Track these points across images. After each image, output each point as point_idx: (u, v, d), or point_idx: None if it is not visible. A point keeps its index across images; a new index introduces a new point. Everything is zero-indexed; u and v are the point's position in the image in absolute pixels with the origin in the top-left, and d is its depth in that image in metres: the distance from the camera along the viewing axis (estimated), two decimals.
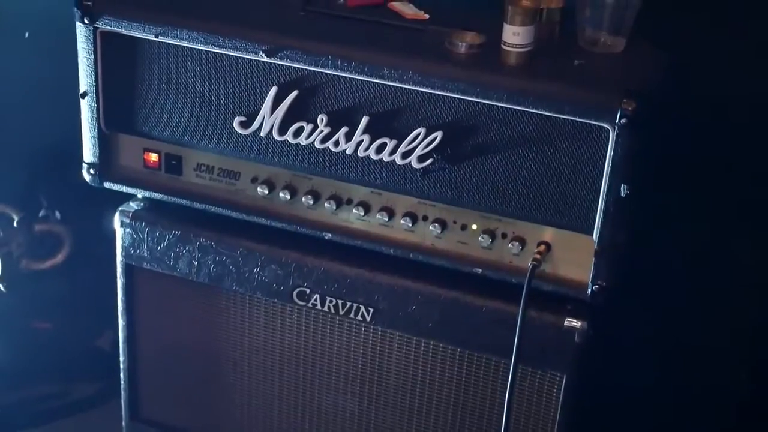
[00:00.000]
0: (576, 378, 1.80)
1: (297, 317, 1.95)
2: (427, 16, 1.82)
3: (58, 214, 2.56)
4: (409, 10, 1.84)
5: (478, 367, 1.86)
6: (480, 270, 1.78)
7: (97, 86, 1.88)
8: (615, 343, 2.04)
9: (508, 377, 1.75)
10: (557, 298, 1.77)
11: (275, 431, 2.10)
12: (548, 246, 1.75)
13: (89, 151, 1.95)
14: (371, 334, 1.91)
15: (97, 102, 1.89)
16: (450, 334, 1.84)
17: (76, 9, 1.83)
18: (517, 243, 1.75)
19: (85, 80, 1.88)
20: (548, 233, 1.75)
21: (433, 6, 1.85)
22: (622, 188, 1.64)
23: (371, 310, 1.87)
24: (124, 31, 1.81)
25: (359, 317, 1.89)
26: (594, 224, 1.68)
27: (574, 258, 1.73)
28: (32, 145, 2.67)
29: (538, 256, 1.73)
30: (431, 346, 1.88)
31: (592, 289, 1.72)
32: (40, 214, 2.55)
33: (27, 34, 2.61)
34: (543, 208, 1.71)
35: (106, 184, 1.97)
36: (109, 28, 1.82)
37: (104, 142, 1.93)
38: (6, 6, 2.56)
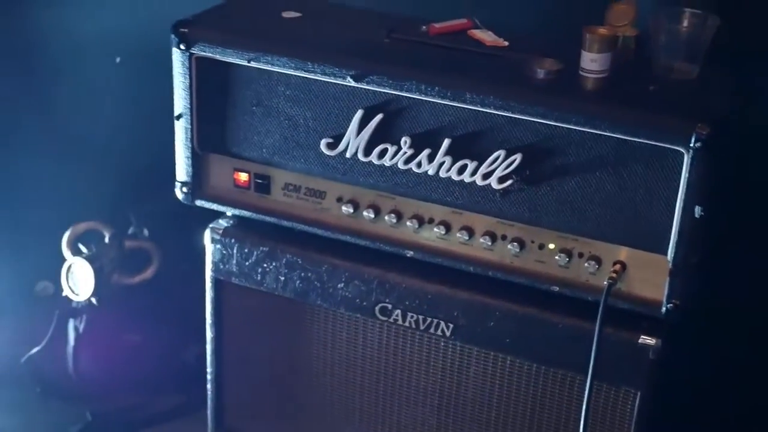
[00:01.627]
0: (650, 394, 1.85)
1: (378, 332, 2.02)
2: (506, 44, 1.89)
3: (146, 232, 2.66)
4: (489, 38, 1.91)
5: (554, 383, 1.92)
6: (557, 288, 1.84)
7: (191, 109, 1.97)
8: (689, 359, 2.07)
9: (583, 393, 1.80)
10: (632, 316, 1.82)
11: None
12: (623, 265, 1.80)
13: (182, 171, 2.04)
14: (450, 349, 1.97)
15: (191, 124, 1.99)
16: (527, 349, 1.90)
17: (173, 36, 1.93)
18: (593, 262, 1.81)
19: (180, 103, 1.98)
20: (624, 253, 1.80)
21: (512, 34, 1.92)
22: (696, 209, 1.69)
23: (451, 325, 1.93)
24: (218, 57, 1.91)
25: (439, 332, 1.95)
26: (669, 244, 1.73)
27: (649, 277, 1.78)
28: (122, 165, 2.78)
29: (614, 275, 1.78)
30: (508, 362, 1.94)
31: (666, 308, 1.77)
32: (130, 231, 2.66)
33: (118, 60, 2.73)
34: (619, 228, 1.77)
35: (198, 202, 2.07)
36: (204, 53, 1.92)
37: (197, 162, 2.03)
38: (98, 33, 2.68)
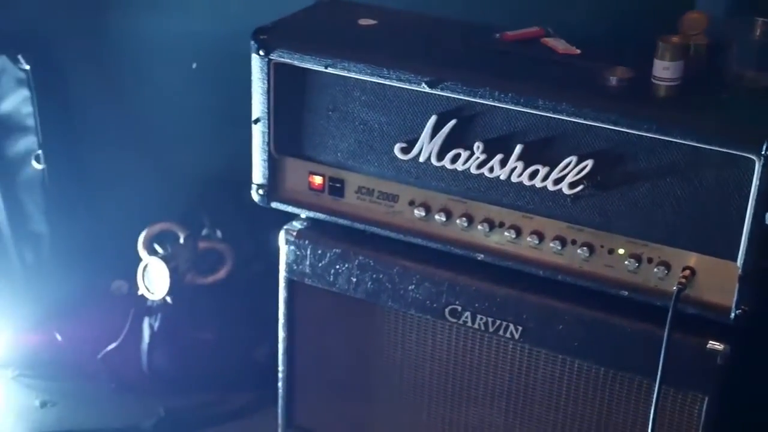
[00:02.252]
0: (718, 399, 1.86)
1: (448, 333, 2.06)
2: (578, 51, 1.92)
3: (219, 233, 2.73)
4: (562, 46, 1.94)
5: (621, 386, 1.94)
6: (626, 293, 1.86)
7: (268, 113, 2.03)
8: (757, 365, 2.08)
9: (651, 397, 1.83)
10: (700, 321, 1.83)
11: None
12: (693, 271, 1.82)
13: (259, 173, 2.10)
14: (519, 352, 2.00)
15: (268, 128, 2.04)
16: (595, 353, 1.93)
17: (252, 42, 1.99)
18: (662, 267, 1.83)
19: (258, 107, 2.03)
20: (693, 258, 1.82)
21: (584, 42, 1.94)
22: (766, 216, 1.70)
23: (520, 328, 1.97)
24: (296, 63, 1.97)
25: (508, 335, 1.98)
26: (738, 251, 1.74)
27: (718, 283, 1.80)
28: (197, 168, 2.86)
29: (683, 281, 1.80)
30: (576, 365, 1.96)
31: (735, 314, 1.79)
32: (203, 233, 2.73)
33: (194, 65, 2.81)
34: (688, 234, 1.79)
35: (273, 205, 2.12)
36: (282, 59, 1.97)
37: (273, 165, 2.08)
38: (175, 39, 2.76)
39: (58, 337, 2.79)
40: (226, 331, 2.66)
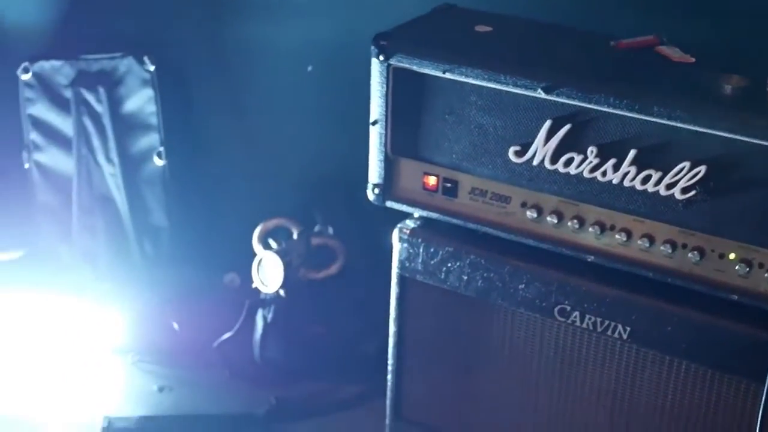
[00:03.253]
0: None
1: (556, 333, 2.11)
2: (693, 60, 1.95)
3: (331, 230, 2.82)
4: (676, 54, 1.97)
5: (728, 389, 1.96)
6: (736, 296, 1.89)
7: (386, 115, 2.10)
8: None
9: (758, 400, 1.85)
10: None
11: None
12: None
13: (375, 173, 2.17)
14: (626, 352, 2.04)
15: (386, 129, 2.12)
16: (703, 355, 1.95)
17: (372, 47, 2.06)
18: None
19: (376, 110, 2.11)
20: None
21: (698, 50, 1.98)
22: None
23: (628, 329, 2.01)
24: (414, 68, 2.04)
25: (616, 335, 2.03)
26: None
27: None
28: (310, 167, 2.95)
29: None
30: (683, 366, 1.99)
31: None
32: (316, 229, 2.82)
33: (310, 68, 2.90)
34: None
35: (388, 203, 2.19)
36: (401, 64, 2.05)
37: (389, 165, 2.15)
38: (291, 44, 2.86)
39: (175, 326, 2.91)
40: (337, 324, 2.74)
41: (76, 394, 2.71)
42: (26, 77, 2.88)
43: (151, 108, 2.91)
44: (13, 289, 2.96)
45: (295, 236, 2.75)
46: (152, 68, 2.87)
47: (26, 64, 2.88)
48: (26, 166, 2.97)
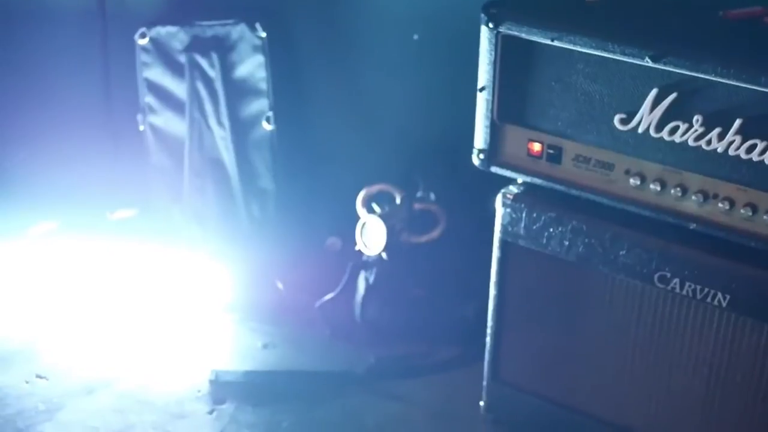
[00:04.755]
0: None
1: (655, 299, 2.13)
2: None
3: (432, 196, 2.87)
4: None
5: None
6: None
7: (493, 82, 2.15)
8: None
9: None
10: None
11: (622, 406, 2.27)
12: None
13: (480, 139, 2.22)
14: (725, 320, 2.06)
15: (492, 96, 2.17)
16: None
17: (482, 15, 2.10)
18: None
19: (483, 76, 2.16)
20: None
21: None
22: None
23: (728, 296, 2.02)
24: (523, 35, 2.08)
25: (715, 303, 2.05)
26: None
27: None
28: (413, 133, 3.01)
29: None
30: None
31: None
32: (418, 194, 2.88)
33: (416, 37, 2.95)
34: None
35: (493, 169, 2.24)
36: (510, 32, 2.09)
37: (494, 131, 2.20)
38: (398, 12, 2.91)
39: (280, 286, 3.01)
40: (437, 287, 2.80)
41: (186, 347, 2.83)
42: (143, 42, 2.98)
43: (261, 74, 2.99)
44: (127, 245, 3.09)
45: (398, 201, 2.81)
46: (263, 35, 2.95)
47: (143, 29, 2.98)
48: (141, 128, 3.08)
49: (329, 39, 3.05)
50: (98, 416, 2.57)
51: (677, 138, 1.98)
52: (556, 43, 2.04)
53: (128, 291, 3.01)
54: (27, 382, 2.68)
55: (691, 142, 1.97)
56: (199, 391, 2.66)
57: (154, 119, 3.07)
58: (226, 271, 3.01)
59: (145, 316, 2.93)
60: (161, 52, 3.00)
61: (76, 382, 2.68)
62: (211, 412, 2.60)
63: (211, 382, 2.67)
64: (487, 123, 2.20)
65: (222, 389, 2.66)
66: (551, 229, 2.20)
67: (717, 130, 1.93)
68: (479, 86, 2.17)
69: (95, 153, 3.16)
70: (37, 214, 3.12)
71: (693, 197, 2.02)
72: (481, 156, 2.23)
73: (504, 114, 2.18)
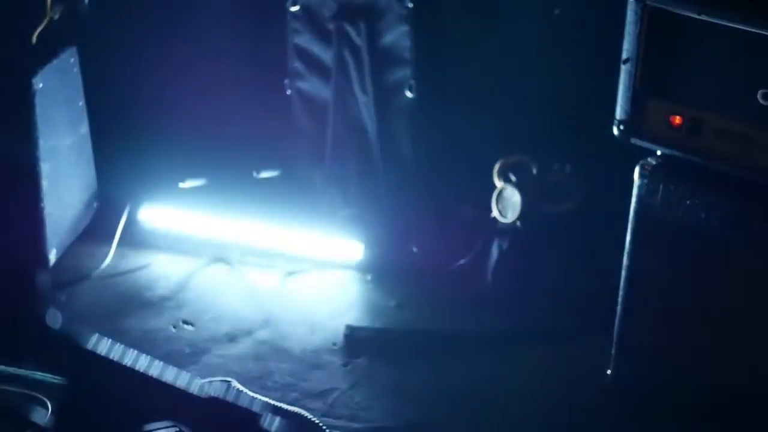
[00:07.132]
0: None
1: None
2: None
3: (568, 167, 2.92)
4: None
5: None
6: None
7: (637, 54, 2.20)
8: None
9: None
10: None
11: (754, 376, 2.27)
12: None
13: (621, 110, 2.27)
14: None
15: (636, 68, 2.21)
16: None
17: None
18: None
19: (628, 49, 2.20)
20: None
21: None
22: None
23: None
24: (670, 9, 2.12)
25: None
26: None
27: None
28: (549, 105, 3.04)
29: None
30: None
31: None
32: (554, 166, 2.93)
33: (557, 11, 2.99)
34: None
35: (632, 141, 2.28)
36: (657, 5, 2.13)
37: (636, 103, 2.24)
38: None
39: (414, 250, 3.09)
40: (570, 256, 2.84)
41: (323, 303, 2.95)
42: (294, 9, 3.09)
43: (406, 43, 3.06)
44: (270, 205, 3.21)
45: (534, 171, 2.86)
46: (410, 5, 3.02)
47: None
48: (288, 92, 3.19)
49: (472, 10, 3.10)
50: (239, 362, 2.71)
51: None
52: (702, 17, 2.07)
53: (270, 248, 3.13)
54: (175, 327, 2.84)
55: None
56: (334, 344, 2.78)
57: (300, 84, 3.17)
58: (364, 233, 3.11)
59: (287, 272, 3.05)
60: (311, 19, 3.10)
61: (219, 329, 2.83)
62: (345, 365, 2.71)
63: (346, 336, 2.78)
64: (629, 95, 2.24)
65: (356, 345, 2.76)
66: (688, 202, 2.23)
67: None
68: (623, 58, 2.21)
69: (244, 115, 3.28)
70: (188, 171, 3.26)
71: None
72: (621, 127, 2.28)
73: (646, 86, 2.22)
